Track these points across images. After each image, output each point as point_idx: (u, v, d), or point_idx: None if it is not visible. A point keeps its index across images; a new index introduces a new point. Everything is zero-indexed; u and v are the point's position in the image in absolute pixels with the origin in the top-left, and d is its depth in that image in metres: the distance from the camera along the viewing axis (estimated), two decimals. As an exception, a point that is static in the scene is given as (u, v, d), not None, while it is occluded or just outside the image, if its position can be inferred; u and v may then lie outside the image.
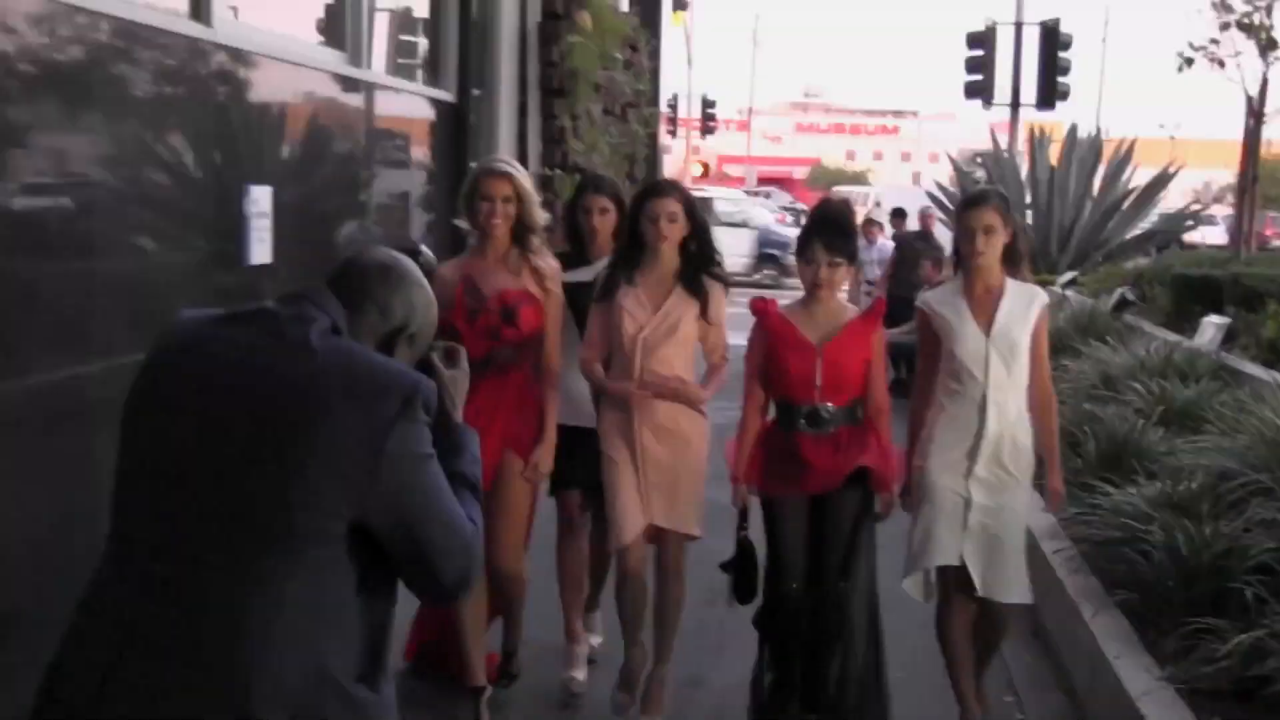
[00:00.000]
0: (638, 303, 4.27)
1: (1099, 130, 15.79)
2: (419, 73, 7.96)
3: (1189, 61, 11.25)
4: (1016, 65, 18.78)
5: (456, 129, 7.90)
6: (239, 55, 5.08)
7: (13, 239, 3.64)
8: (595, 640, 5.00)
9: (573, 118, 9.11)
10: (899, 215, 13.39)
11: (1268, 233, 33.69)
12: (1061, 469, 4.29)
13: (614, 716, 4.40)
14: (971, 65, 19.22)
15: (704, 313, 4.28)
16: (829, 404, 4.13)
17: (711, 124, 36.76)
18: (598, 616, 5.07)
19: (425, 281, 2.29)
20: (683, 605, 4.41)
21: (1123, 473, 5.53)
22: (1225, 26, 10.94)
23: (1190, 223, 17.52)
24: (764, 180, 49.13)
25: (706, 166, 39.56)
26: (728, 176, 52.61)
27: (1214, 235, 30.81)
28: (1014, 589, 4.11)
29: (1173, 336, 8.30)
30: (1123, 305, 9.51)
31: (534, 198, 4.39)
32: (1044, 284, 11.43)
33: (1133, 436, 5.76)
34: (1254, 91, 11.17)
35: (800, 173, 64.72)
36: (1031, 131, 15.94)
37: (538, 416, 4.38)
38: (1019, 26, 18.70)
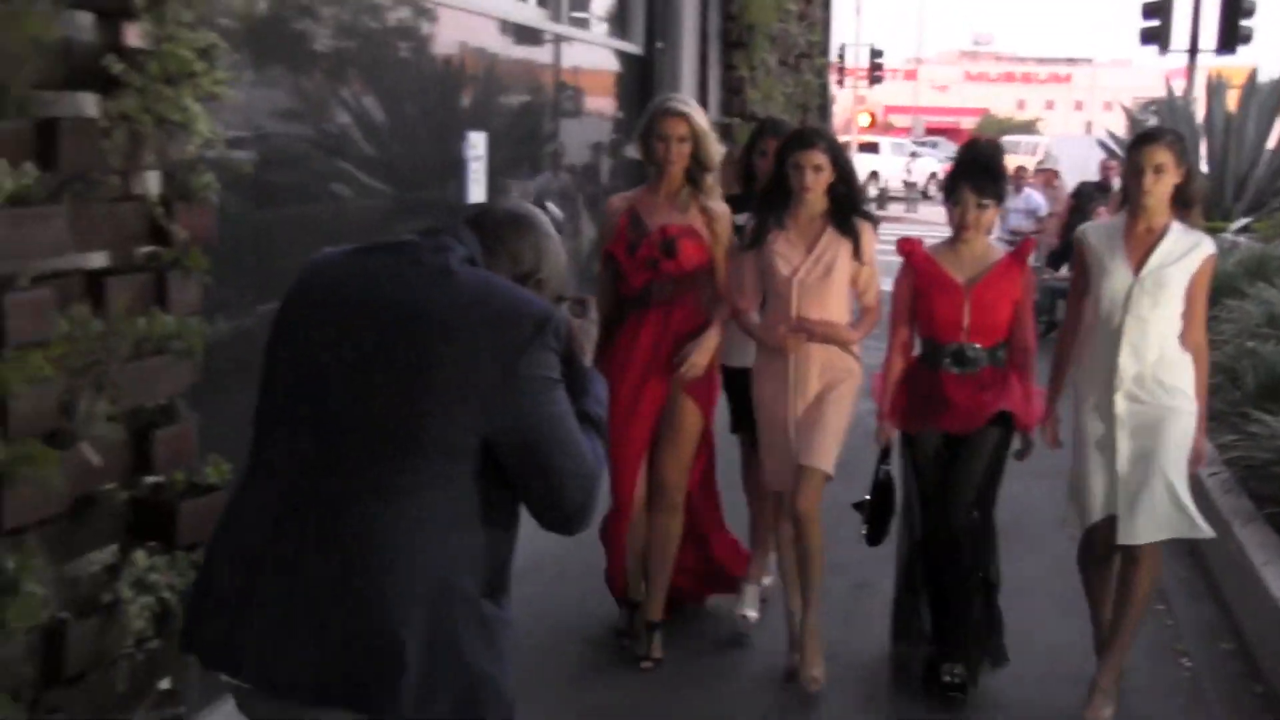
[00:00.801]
0: (790, 246, 4.26)
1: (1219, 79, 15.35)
2: (608, 26, 8.49)
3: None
4: (1196, 9, 18.41)
5: (643, 80, 8.41)
6: (458, 14, 5.68)
7: (285, 177, 4.29)
8: (767, 580, 5.02)
9: (750, 68, 9.48)
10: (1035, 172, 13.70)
11: None
12: (1205, 427, 4.07)
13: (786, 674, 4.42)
14: (1148, 10, 18.89)
15: (856, 253, 4.25)
16: (975, 344, 4.14)
17: (879, 73, 36.55)
18: (772, 558, 5.00)
19: (554, 232, 2.37)
20: (822, 549, 4.33)
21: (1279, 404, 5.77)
22: None
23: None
24: (930, 130, 48.50)
25: (874, 116, 39.31)
26: (894, 126, 52.07)
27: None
28: (1158, 527, 3.97)
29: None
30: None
31: (710, 136, 4.39)
32: (1216, 231, 11.49)
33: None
34: None
35: (968, 123, 63.49)
36: (1209, 77, 15.64)
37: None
38: (1198, -31, 18.33)
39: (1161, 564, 4.18)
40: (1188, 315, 4.00)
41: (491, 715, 2.15)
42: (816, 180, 4.19)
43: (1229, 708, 4.27)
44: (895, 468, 4.34)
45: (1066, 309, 4.32)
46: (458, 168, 5.69)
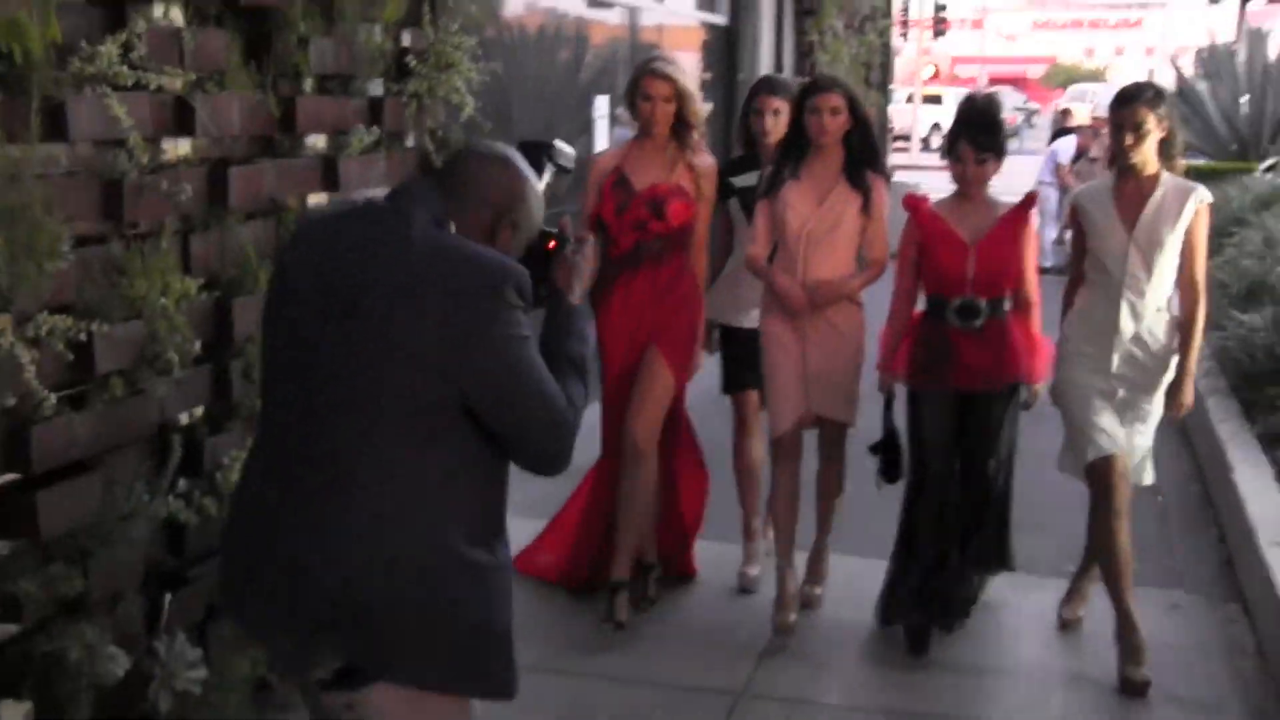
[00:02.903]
0: (801, 197, 4.29)
1: None
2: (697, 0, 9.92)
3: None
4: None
5: (729, 46, 9.82)
6: (596, 2, 7.22)
7: (495, 133, 5.71)
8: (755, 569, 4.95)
9: (819, 33, 10.85)
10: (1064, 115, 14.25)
11: None
12: (1193, 379, 4.18)
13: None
14: (1197, -36, 19.86)
15: (865, 207, 4.30)
16: (979, 298, 4.16)
17: (942, 25, 37.33)
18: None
19: (530, 173, 2.36)
20: (844, 483, 4.56)
21: (1258, 305, 7.10)
22: None
23: None
24: (995, 80, 49.05)
25: (937, 68, 40.14)
26: (959, 77, 52.66)
27: None
28: (1141, 470, 4.32)
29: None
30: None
31: (694, 95, 4.42)
32: (1248, 171, 12.60)
33: (1270, 278, 7.28)
34: None
35: (1036, 71, 63.65)
36: (1243, 21, 16.63)
37: (685, 309, 4.46)
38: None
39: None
40: (1184, 266, 4.07)
41: (494, 662, 2.21)
42: (833, 123, 4.24)
43: (1190, 529, 5.67)
44: (899, 418, 4.42)
45: (1070, 270, 4.40)
46: (589, 124, 7.23)
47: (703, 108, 4.47)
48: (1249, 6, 23.49)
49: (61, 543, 2.85)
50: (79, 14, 2.92)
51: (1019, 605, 4.68)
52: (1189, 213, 4.02)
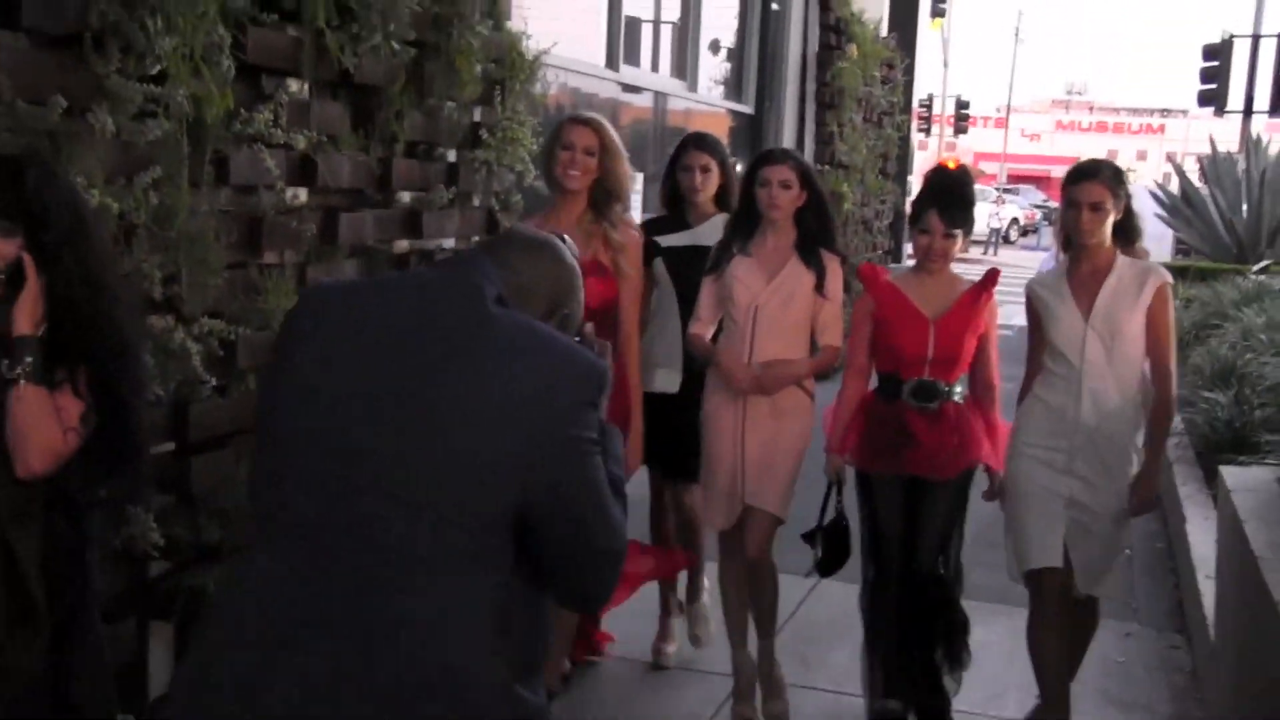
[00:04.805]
0: (750, 273, 4.07)
1: None
2: (725, 90, 10.80)
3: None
4: (1251, 75, 20.36)
5: (753, 133, 10.67)
6: (628, 91, 8.06)
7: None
8: (710, 628, 4.80)
9: (839, 125, 11.66)
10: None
11: None
12: (1159, 475, 3.99)
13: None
14: (1205, 75, 20.93)
15: (819, 287, 4.05)
16: (938, 379, 3.95)
17: (964, 123, 38.52)
18: (706, 604, 4.86)
19: (575, 262, 2.15)
20: (777, 587, 4.26)
21: (1225, 387, 7.81)
22: None
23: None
24: (1016, 178, 50.18)
25: (958, 162, 41.12)
26: (982, 173, 53.84)
27: None
28: (1109, 582, 3.99)
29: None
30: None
31: (621, 155, 4.00)
32: (1241, 272, 13.36)
33: (1238, 362, 8.00)
34: None
35: (1059, 171, 64.72)
36: (1246, 134, 17.54)
37: (615, 395, 3.85)
38: (1256, 39, 20.29)
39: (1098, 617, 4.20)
40: (1152, 346, 3.82)
41: None
42: (784, 196, 4.02)
43: (1150, 575, 6.34)
44: (850, 504, 4.17)
45: (1027, 362, 4.09)
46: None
47: (629, 172, 4.03)
48: (1264, 118, 24.51)
49: (206, 500, 3.58)
50: (233, 85, 3.73)
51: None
52: (1148, 294, 3.78)
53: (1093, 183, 3.77)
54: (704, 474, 4.22)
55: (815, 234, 4.11)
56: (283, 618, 1.84)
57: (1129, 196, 3.88)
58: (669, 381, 4.53)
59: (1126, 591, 3.88)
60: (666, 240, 4.50)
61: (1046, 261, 13.62)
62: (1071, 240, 3.89)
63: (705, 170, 4.46)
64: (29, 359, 2.37)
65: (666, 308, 4.52)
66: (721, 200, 4.48)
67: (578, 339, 2.15)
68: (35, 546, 2.38)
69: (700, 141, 4.58)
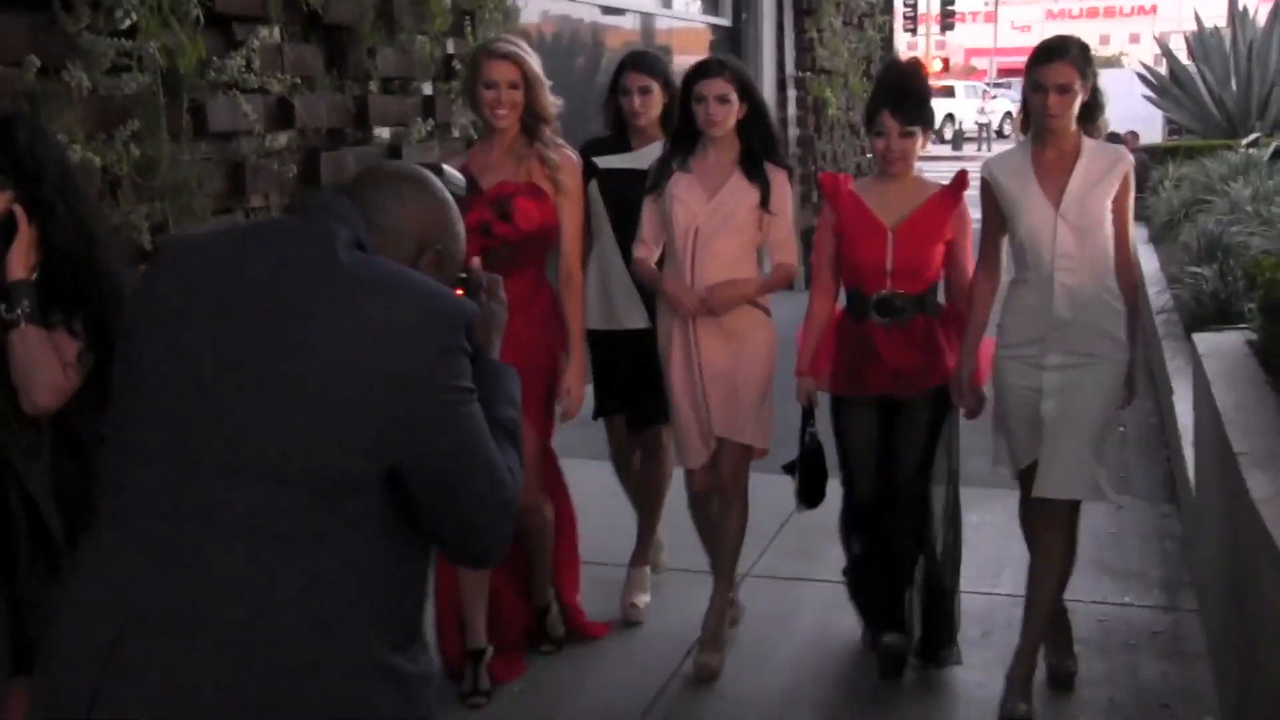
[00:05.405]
0: (690, 191, 3.85)
1: None
2: (703, 5, 10.78)
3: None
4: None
5: (734, 47, 10.66)
6: (612, 10, 8.10)
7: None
8: (644, 599, 4.51)
9: (819, 30, 11.62)
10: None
11: None
12: (1135, 371, 3.72)
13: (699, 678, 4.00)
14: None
15: (764, 202, 3.84)
16: (901, 291, 3.75)
17: (950, 19, 38.13)
18: (647, 573, 4.60)
19: (449, 196, 1.97)
20: (744, 528, 4.06)
21: (1211, 261, 7.89)
22: None
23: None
24: (1006, 71, 49.73)
25: (946, 61, 40.92)
26: (973, 69, 53.42)
27: None
28: (1073, 484, 3.66)
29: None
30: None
31: (543, 82, 3.82)
32: (1230, 147, 13.36)
33: (1224, 236, 8.09)
34: None
35: (1050, 61, 63.98)
36: (1233, 7, 17.34)
37: (549, 323, 3.85)
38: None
39: (1076, 541, 3.86)
40: (1118, 236, 3.62)
41: None
42: (721, 111, 3.80)
43: (1144, 451, 6.49)
44: (824, 427, 3.98)
45: (979, 256, 3.80)
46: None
47: (552, 99, 3.86)
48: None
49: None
50: (204, 34, 3.82)
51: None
52: (1116, 179, 3.58)
53: (1060, 63, 3.51)
54: (671, 411, 4.01)
55: (758, 147, 3.90)
56: (131, 598, 1.69)
57: (1096, 75, 3.63)
58: (635, 316, 4.24)
59: (1112, 486, 3.56)
60: (605, 162, 4.24)
61: None
62: (1035, 123, 3.63)
63: (645, 92, 4.21)
64: (26, 301, 2.52)
65: (598, 232, 4.28)
66: (668, 121, 4.20)
67: (463, 276, 2.01)
68: (48, 483, 2.53)
69: (638, 62, 4.32)
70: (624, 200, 4.11)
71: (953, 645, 4.05)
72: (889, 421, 3.83)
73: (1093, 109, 3.63)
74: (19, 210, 2.52)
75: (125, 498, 1.76)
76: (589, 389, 4.17)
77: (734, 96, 3.82)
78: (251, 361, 1.72)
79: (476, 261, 2.08)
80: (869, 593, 4.04)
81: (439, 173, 2.00)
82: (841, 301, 3.96)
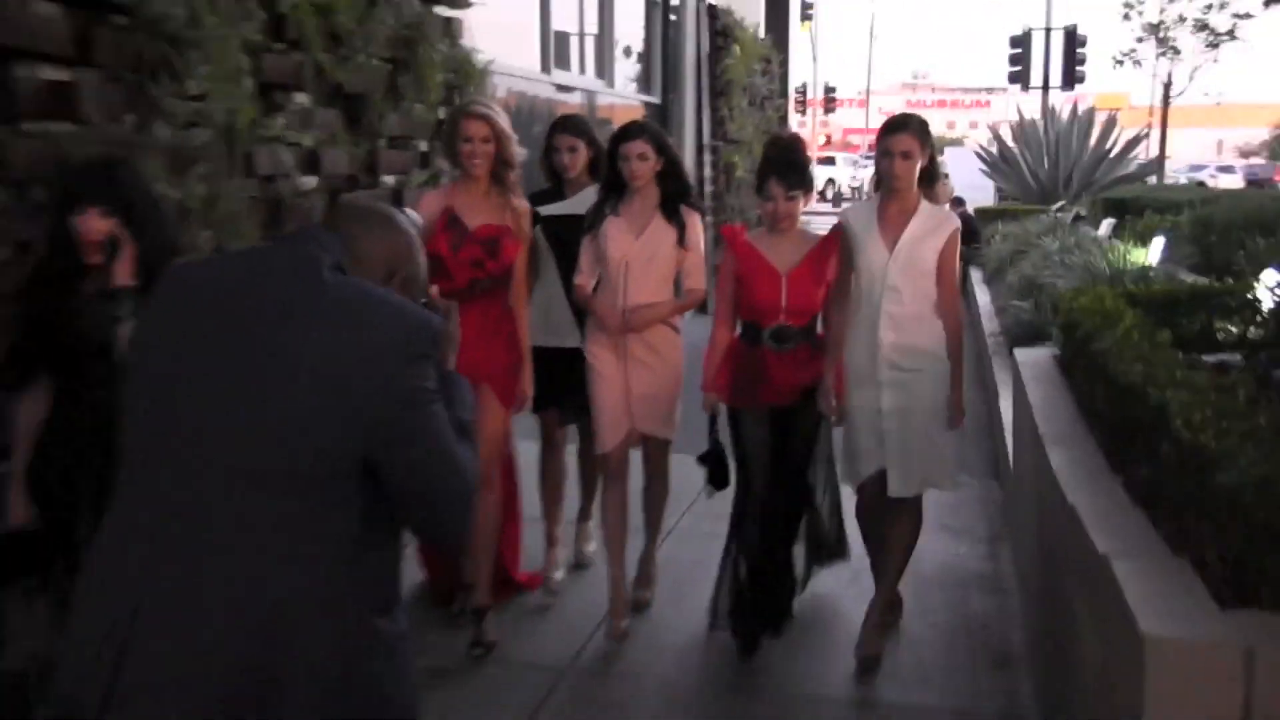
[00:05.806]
0: (620, 231, 3.88)
1: (1091, 107, 17.85)
2: (637, 85, 10.95)
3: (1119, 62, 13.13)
4: (1046, 58, 20.90)
5: (663, 119, 10.85)
6: (558, 89, 8.20)
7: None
8: (590, 547, 4.59)
9: (730, 109, 11.84)
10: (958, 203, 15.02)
11: (1276, 178, 34.03)
12: (962, 383, 3.70)
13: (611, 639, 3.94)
14: (1012, 58, 21.41)
15: (681, 239, 3.89)
16: (791, 325, 3.74)
17: (832, 105, 38.80)
18: (591, 525, 4.58)
19: (413, 230, 1.90)
20: (666, 498, 4.19)
21: (1027, 296, 8.18)
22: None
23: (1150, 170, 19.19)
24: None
25: (829, 137, 41.55)
26: (850, 144, 54.36)
27: (1231, 180, 31.63)
28: (918, 482, 3.70)
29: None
30: (1077, 219, 11.95)
31: (511, 137, 3.82)
32: (1043, 212, 13.78)
33: (1038, 279, 8.39)
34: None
35: (908, 140, 65.00)
36: (1045, 105, 18.10)
37: (512, 347, 3.88)
38: (1048, 31, 20.87)
39: (922, 516, 3.87)
40: (940, 283, 3.65)
41: None
42: (642, 167, 3.84)
43: (977, 439, 6.73)
44: (724, 435, 3.94)
45: (835, 287, 3.80)
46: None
47: (519, 150, 3.84)
48: (1062, 92, 25.19)
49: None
50: (255, 100, 3.90)
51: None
52: (943, 236, 3.62)
53: (903, 134, 3.55)
54: (593, 407, 3.98)
55: (674, 193, 3.91)
56: (141, 584, 1.63)
57: (933, 147, 3.67)
58: (571, 337, 4.23)
59: (950, 475, 3.60)
60: (546, 210, 4.21)
61: None
62: (883, 183, 3.66)
63: (572, 150, 4.19)
64: (130, 303, 2.61)
65: (546, 267, 4.28)
66: (595, 170, 4.18)
67: (424, 302, 1.89)
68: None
69: (564, 125, 4.30)
70: (562, 240, 4.13)
71: (841, 542, 4.25)
72: (778, 425, 3.81)
73: (932, 175, 3.66)
74: (122, 232, 2.62)
75: (136, 495, 1.69)
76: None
77: (652, 154, 3.84)
78: (245, 370, 1.65)
79: (435, 290, 2.00)
80: (741, 608, 3.88)
81: (401, 211, 1.95)
82: (737, 330, 3.92)
